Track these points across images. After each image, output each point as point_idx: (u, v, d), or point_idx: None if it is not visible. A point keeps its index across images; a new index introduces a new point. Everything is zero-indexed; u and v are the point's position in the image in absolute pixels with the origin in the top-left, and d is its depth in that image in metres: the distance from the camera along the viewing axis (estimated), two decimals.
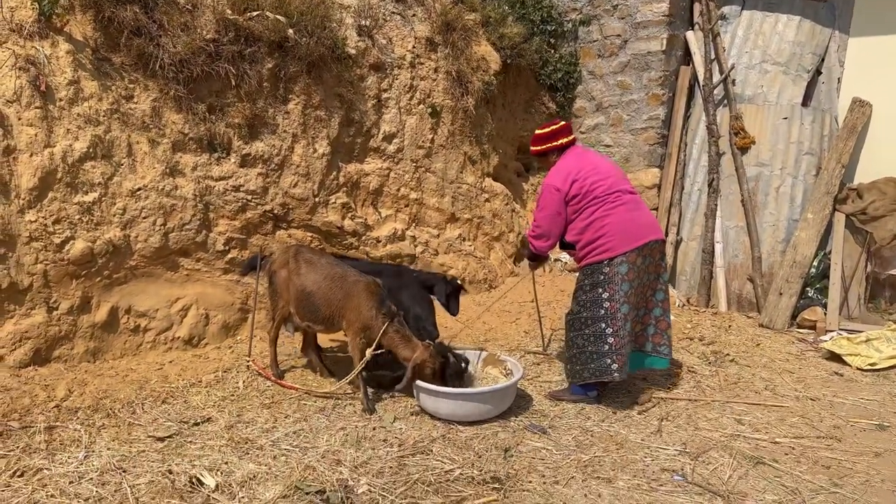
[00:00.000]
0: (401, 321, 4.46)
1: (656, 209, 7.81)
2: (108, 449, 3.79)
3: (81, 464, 3.63)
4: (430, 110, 6.97)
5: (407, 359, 4.36)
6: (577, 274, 4.73)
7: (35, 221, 4.74)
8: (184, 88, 5.49)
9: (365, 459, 3.81)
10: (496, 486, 3.58)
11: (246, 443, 3.95)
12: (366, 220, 6.56)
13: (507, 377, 4.69)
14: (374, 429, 4.25)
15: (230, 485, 3.49)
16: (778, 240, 7.17)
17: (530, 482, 3.64)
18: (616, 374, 4.46)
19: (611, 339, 4.44)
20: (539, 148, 4.73)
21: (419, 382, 4.30)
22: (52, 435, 3.91)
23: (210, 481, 3.50)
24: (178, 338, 5.37)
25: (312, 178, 6.17)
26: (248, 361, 4.98)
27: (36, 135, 4.81)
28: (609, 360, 4.45)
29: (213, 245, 5.66)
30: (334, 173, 6.34)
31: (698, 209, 7.64)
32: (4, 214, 4.61)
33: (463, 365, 4.49)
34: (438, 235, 7.06)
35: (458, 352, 4.56)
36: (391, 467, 3.74)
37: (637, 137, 7.96)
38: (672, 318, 6.20)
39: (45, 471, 3.54)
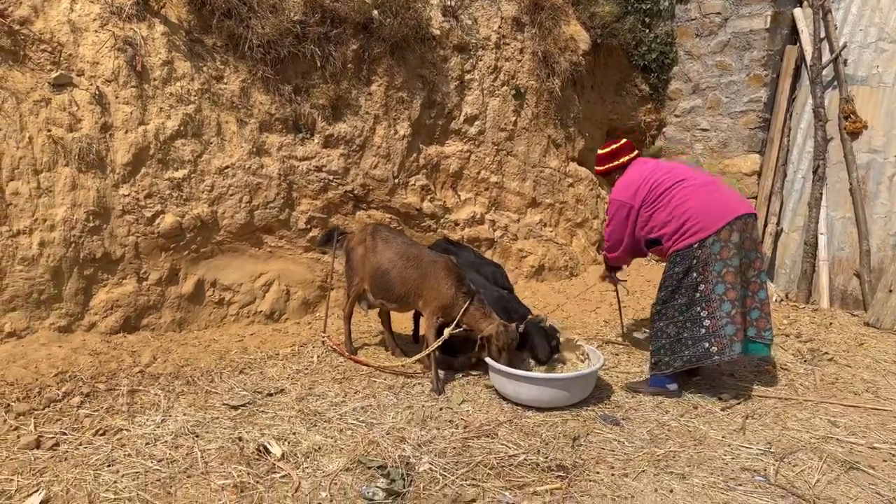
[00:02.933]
0: (481, 299, 4.40)
1: (755, 198, 7.35)
2: (184, 414, 3.94)
3: (158, 426, 3.78)
4: (513, 92, 6.83)
5: (485, 330, 4.33)
6: (663, 264, 4.51)
7: (128, 195, 4.98)
8: (271, 70, 5.62)
9: (429, 438, 3.77)
10: (561, 474, 3.45)
11: (315, 415, 4.00)
12: (444, 202, 6.52)
13: (584, 363, 4.54)
14: (440, 409, 4.21)
15: (296, 454, 3.54)
16: (889, 233, 6.58)
17: (598, 473, 3.49)
18: (716, 357, 4.23)
19: (707, 322, 4.23)
20: (603, 168, 4.75)
21: (497, 365, 4.22)
22: (134, 398, 4.10)
23: (276, 450, 3.56)
24: (260, 312, 5.52)
25: (393, 159, 6.18)
26: (324, 337, 5.05)
27: (131, 113, 5.05)
28: (707, 344, 4.23)
29: (295, 223, 5.77)
30: (414, 155, 6.33)
31: (801, 198, 7.13)
32: (100, 188, 4.86)
33: (553, 343, 4.45)
34: (518, 220, 6.93)
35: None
36: (454, 448, 3.68)
37: (736, 121, 7.51)
38: None
39: (124, 431, 3.72)
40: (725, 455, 3.72)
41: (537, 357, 4.52)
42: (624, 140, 4.77)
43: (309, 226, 5.83)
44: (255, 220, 5.57)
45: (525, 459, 3.59)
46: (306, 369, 4.70)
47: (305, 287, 5.75)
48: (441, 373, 4.59)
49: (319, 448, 3.63)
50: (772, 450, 3.78)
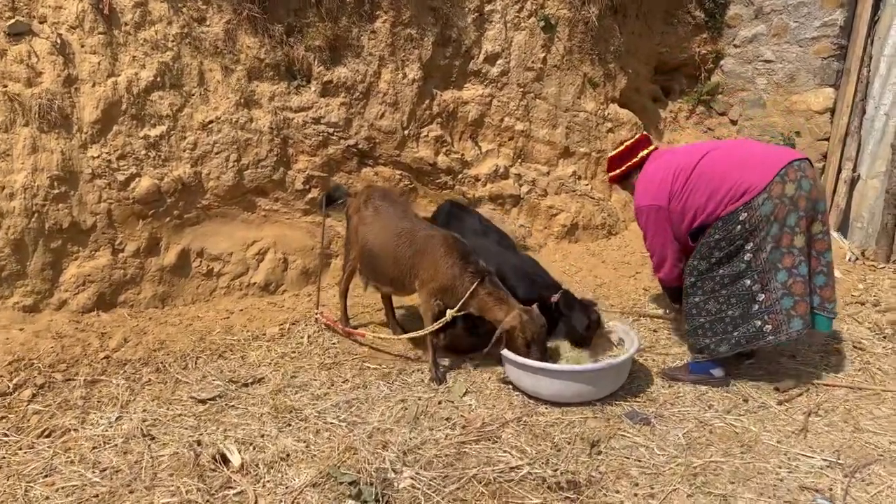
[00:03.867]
0: (494, 280, 3.71)
1: (827, 139, 6.35)
2: (144, 410, 3.46)
3: (111, 426, 3.32)
4: (542, 24, 5.96)
5: (501, 321, 3.64)
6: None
7: (98, 157, 4.46)
8: (259, 8, 4.95)
9: (418, 443, 3.19)
10: (571, 494, 2.82)
11: (291, 412, 3.46)
12: (463, 155, 5.79)
13: (618, 347, 3.86)
14: (439, 403, 3.62)
15: (258, 464, 3.02)
16: None
17: (617, 492, 2.85)
18: (771, 338, 3.51)
19: (761, 297, 3.49)
20: (617, 172, 4.09)
21: (510, 355, 3.56)
22: (93, 390, 3.64)
23: (236, 458, 3.04)
24: (254, 283, 4.99)
25: (401, 107, 5.47)
26: (317, 314, 4.49)
27: (99, 63, 4.48)
28: (759, 322, 3.51)
29: (291, 184, 5.17)
30: (427, 102, 5.59)
31: (883, 139, 6.09)
32: (65, 150, 4.35)
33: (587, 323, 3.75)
34: (548, 173, 6.15)
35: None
36: (446, 456, 3.09)
37: (806, 50, 6.45)
38: (838, 274, 4.99)
39: (72, 432, 3.26)
40: (780, 467, 3.02)
41: (576, 336, 3.81)
42: (639, 134, 4.18)
43: (307, 186, 5.22)
44: (246, 181, 5.00)
45: (529, 472, 2.97)
46: (293, 353, 4.16)
47: (305, 254, 5.18)
48: (446, 361, 3.97)
49: (288, 456, 3.09)
50: (840, 461, 3.05)
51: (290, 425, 3.36)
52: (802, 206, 3.42)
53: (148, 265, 4.64)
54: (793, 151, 3.61)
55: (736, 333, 3.57)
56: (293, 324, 4.52)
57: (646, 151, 3.97)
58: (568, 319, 3.79)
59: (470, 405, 3.59)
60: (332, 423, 3.37)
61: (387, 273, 3.96)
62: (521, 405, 3.58)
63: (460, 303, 3.68)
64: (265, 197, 5.12)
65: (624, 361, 3.56)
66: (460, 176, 5.75)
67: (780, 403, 3.58)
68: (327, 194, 4.62)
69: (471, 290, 3.65)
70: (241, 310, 4.73)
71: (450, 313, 3.72)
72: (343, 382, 3.81)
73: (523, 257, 4.15)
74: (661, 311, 4.75)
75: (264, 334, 4.38)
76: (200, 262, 4.85)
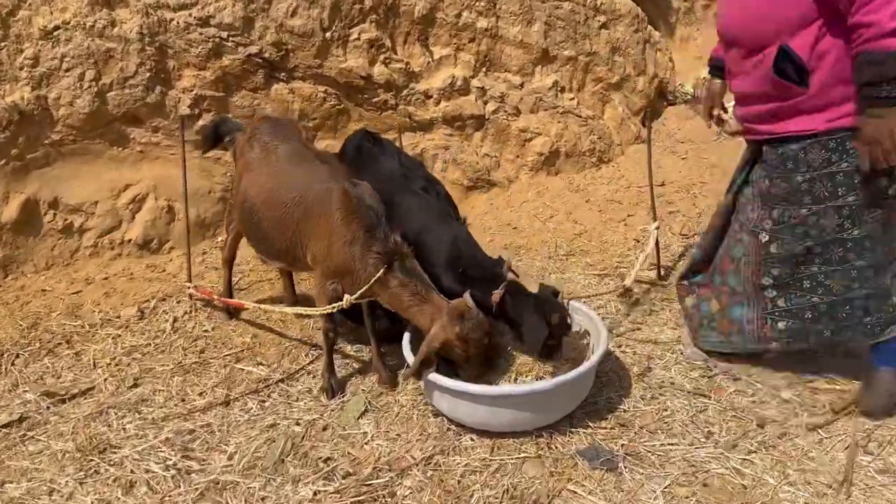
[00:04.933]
0: (409, 266, 2.56)
1: None
2: None
3: None
4: None
5: (425, 329, 2.50)
6: (782, 148, 2.36)
7: None
8: None
9: None
10: None
11: (103, 451, 2.43)
12: (408, 65, 4.49)
13: (578, 344, 2.74)
14: (323, 429, 2.57)
15: None
16: None
17: None
18: None
19: None
20: None
21: (433, 375, 2.44)
22: None
23: None
24: (129, 241, 3.91)
25: (321, 1, 4.15)
26: (189, 288, 3.37)
27: None
28: None
29: (174, 108, 3.97)
30: None
31: None
32: None
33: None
34: (521, 85, 4.83)
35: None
36: None
37: None
38: None
39: None
40: None
41: (533, 348, 2.63)
42: None
43: (198, 110, 4.03)
44: (111, 107, 3.81)
45: None
46: (147, 346, 3.10)
47: (199, 201, 4.04)
48: (333, 367, 2.86)
49: None
50: None
51: (96, 473, 2.34)
52: None
53: None
54: None
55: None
56: (161, 300, 3.45)
57: None
58: (519, 326, 2.62)
59: (365, 434, 2.53)
60: (153, 472, 2.33)
61: (272, 242, 2.83)
62: (438, 434, 2.52)
63: (360, 291, 2.56)
64: (139, 126, 3.94)
65: (581, 375, 2.44)
66: (405, 92, 4.48)
67: (811, 430, 2.46)
68: (212, 127, 3.42)
69: (376, 276, 2.51)
70: (105, 278, 3.67)
71: (348, 299, 2.60)
72: (198, 396, 2.76)
73: (455, 227, 2.92)
74: (654, 278, 3.57)
75: (118, 317, 3.32)
76: (54, 215, 3.75)
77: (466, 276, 2.68)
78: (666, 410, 2.59)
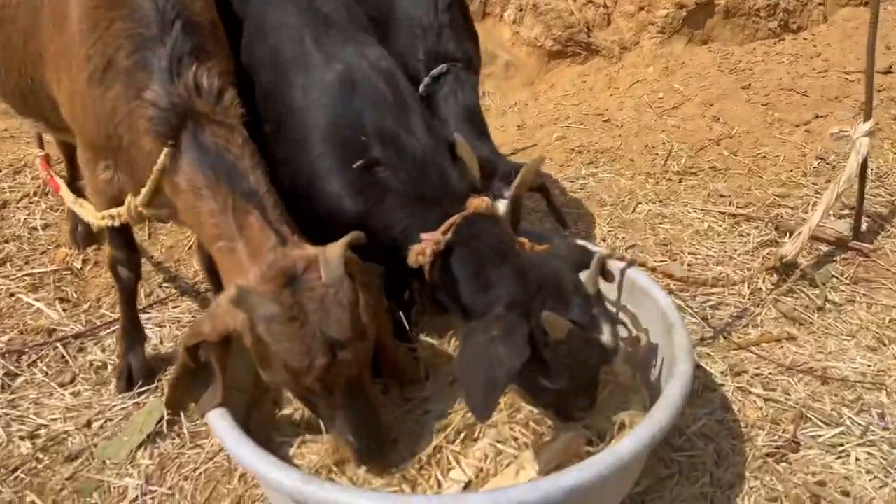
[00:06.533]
0: (223, 147, 1.22)
1: None
2: None
3: None
4: None
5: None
6: None
7: None
8: None
9: None
10: None
11: None
12: None
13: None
14: (68, 458, 1.32)
15: None
16: None
17: None
18: None
19: None
20: None
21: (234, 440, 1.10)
22: None
23: None
24: None
25: None
26: None
27: None
28: None
29: None
30: None
31: None
32: None
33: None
34: None
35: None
36: None
37: None
38: None
39: None
40: None
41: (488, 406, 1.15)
42: None
43: None
44: None
45: None
46: None
47: None
48: (137, 336, 1.56)
49: None
50: None
51: None
52: None
53: None
54: None
55: None
56: None
57: None
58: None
59: (124, 490, 1.26)
60: None
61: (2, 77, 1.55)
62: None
63: (145, 189, 1.22)
64: None
65: (610, 468, 0.97)
66: None
67: None
68: None
69: (159, 163, 1.15)
70: None
71: (131, 203, 1.28)
72: None
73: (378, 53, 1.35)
74: (845, 230, 1.89)
75: None
76: None
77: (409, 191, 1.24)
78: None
